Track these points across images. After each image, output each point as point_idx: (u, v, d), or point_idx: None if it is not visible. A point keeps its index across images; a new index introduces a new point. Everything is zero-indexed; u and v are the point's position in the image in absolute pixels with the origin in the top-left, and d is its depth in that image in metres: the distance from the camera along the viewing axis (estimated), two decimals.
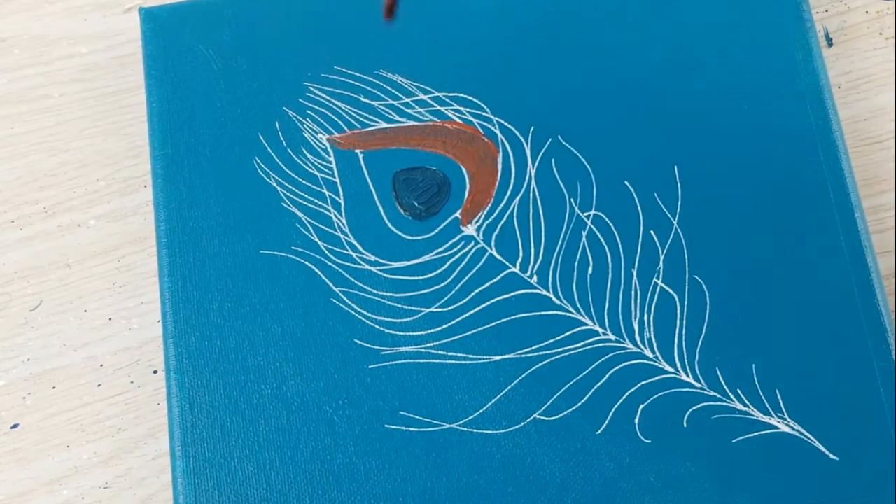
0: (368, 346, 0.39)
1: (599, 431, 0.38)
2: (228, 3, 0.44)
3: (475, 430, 0.38)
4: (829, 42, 0.46)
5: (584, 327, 0.39)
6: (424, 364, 0.39)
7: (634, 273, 0.40)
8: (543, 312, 0.40)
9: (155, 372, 0.42)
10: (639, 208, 0.41)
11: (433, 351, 0.39)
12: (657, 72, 0.42)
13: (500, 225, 0.41)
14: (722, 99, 0.42)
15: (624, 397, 0.38)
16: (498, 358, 0.39)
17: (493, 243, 0.41)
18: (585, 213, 0.41)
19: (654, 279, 0.40)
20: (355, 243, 0.41)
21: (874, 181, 0.44)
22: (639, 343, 0.39)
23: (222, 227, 0.41)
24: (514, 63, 0.43)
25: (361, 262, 0.40)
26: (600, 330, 0.39)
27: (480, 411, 0.39)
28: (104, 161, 0.45)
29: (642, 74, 0.42)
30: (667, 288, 0.40)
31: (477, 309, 0.40)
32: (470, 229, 0.41)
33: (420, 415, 0.39)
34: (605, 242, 0.40)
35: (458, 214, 0.41)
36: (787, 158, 0.41)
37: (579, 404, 0.38)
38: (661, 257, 0.40)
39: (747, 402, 0.38)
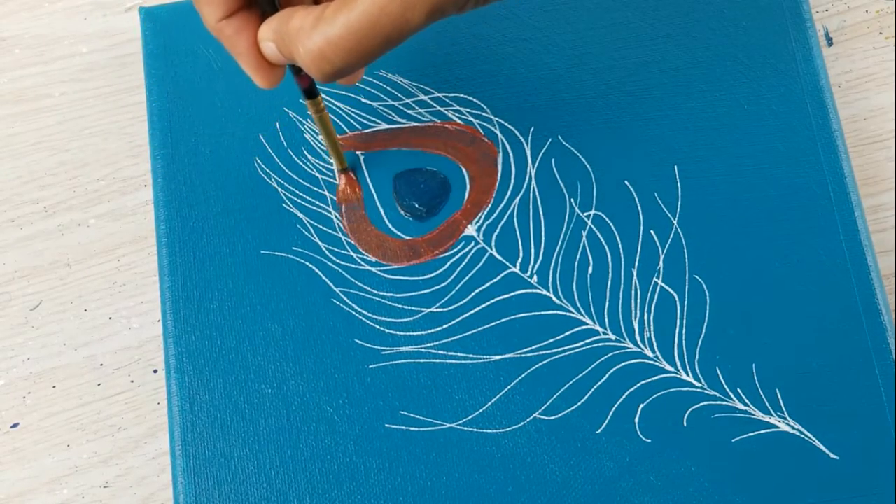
0: (369, 345, 0.39)
1: (599, 431, 0.38)
2: None
3: (475, 430, 0.38)
4: (830, 41, 0.46)
5: (584, 327, 0.39)
6: (425, 364, 0.39)
7: (634, 273, 0.40)
8: (543, 312, 0.40)
9: (155, 371, 0.42)
10: (639, 208, 0.41)
11: (433, 351, 0.39)
12: (657, 71, 0.42)
13: (500, 225, 0.41)
14: (722, 98, 0.42)
15: (624, 397, 0.39)
16: (498, 357, 0.39)
17: (493, 243, 0.41)
18: (585, 213, 0.41)
19: (655, 279, 0.40)
20: (355, 244, 0.41)
21: (874, 180, 0.44)
22: (639, 342, 0.39)
23: (223, 226, 0.41)
24: (514, 63, 0.43)
25: (362, 263, 0.40)
26: (600, 329, 0.39)
27: (480, 411, 0.39)
28: (104, 160, 0.45)
29: (642, 74, 0.42)
30: (667, 287, 0.40)
31: (477, 309, 0.40)
32: (470, 230, 0.41)
33: (420, 414, 0.39)
34: (605, 242, 0.40)
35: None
36: (788, 158, 0.41)
37: (579, 404, 0.38)
38: (662, 257, 0.40)
39: (747, 402, 0.38)
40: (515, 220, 0.41)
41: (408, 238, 0.41)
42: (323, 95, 0.42)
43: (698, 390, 0.39)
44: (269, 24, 0.31)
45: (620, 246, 0.40)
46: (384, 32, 0.28)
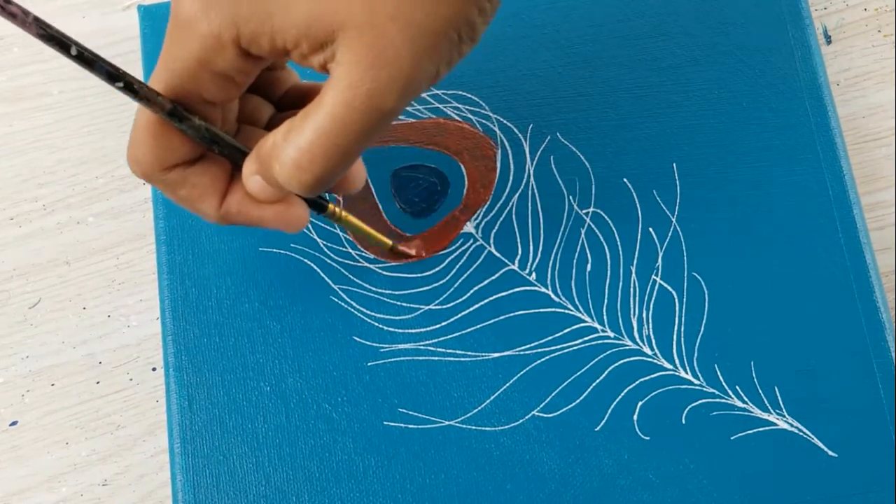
0: (367, 343, 0.39)
1: (598, 428, 0.38)
2: None
3: (474, 427, 0.38)
4: (828, 39, 0.46)
5: (582, 324, 0.39)
6: (423, 361, 0.39)
7: (633, 270, 0.40)
8: (542, 310, 0.40)
9: (154, 369, 0.42)
10: (637, 206, 0.41)
11: (432, 348, 0.39)
12: (656, 69, 0.43)
13: (498, 222, 0.41)
14: (720, 96, 0.42)
15: (623, 394, 0.39)
16: (497, 355, 0.39)
17: (491, 240, 0.41)
18: (584, 211, 0.41)
19: (653, 276, 0.40)
20: (354, 240, 0.41)
21: (873, 178, 0.44)
22: (637, 340, 0.39)
23: None
24: (512, 61, 0.43)
25: (360, 260, 0.40)
26: (599, 327, 0.39)
27: (479, 408, 0.39)
28: (103, 158, 0.45)
29: (641, 72, 0.42)
30: (665, 285, 0.40)
31: (476, 306, 0.40)
32: (469, 227, 0.41)
33: (419, 412, 0.39)
34: (603, 240, 0.40)
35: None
36: (786, 156, 0.41)
37: (578, 401, 0.38)
38: (660, 254, 0.40)
39: (746, 399, 0.38)
40: (514, 217, 0.41)
41: (407, 235, 0.41)
42: None
43: (697, 388, 0.39)
44: (249, 159, 0.30)
45: (619, 243, 0.40)
46: (356, 127, 0.26)
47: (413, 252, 0.40)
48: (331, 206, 0.34)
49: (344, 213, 0.35)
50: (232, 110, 0.31)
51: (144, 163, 0.29)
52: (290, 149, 0.27)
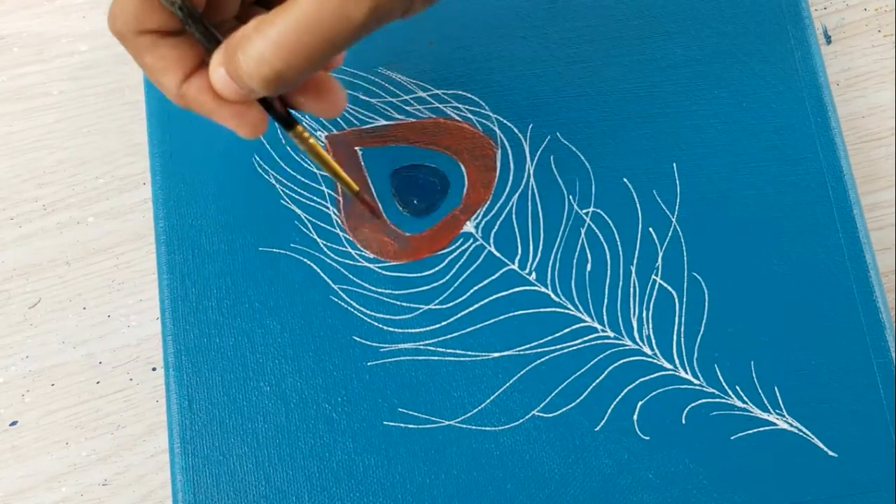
0: (367, 343, 0.39)
1: (598, 428, 0.38)
2: None
3: (474, 427, 0.38)
4: (828, 39, 0.46)
5: (582, 324, 0.39)
6: (423, 361, 0.39)
7: (633, 270, 0.40)
8: (542, 309, 0.40)
9: (154, 369, 0.42)
10: (637, 205, 0.41)
11: (432, 348, 0.39)
12: (656, 69, 0.43)
13: (498, 222, 0.41)
14: (721, 96, 0.42)
15: (623, 394, 0.39)
16: (497, 355, 0.39)
17: (491, 240, 0.41)
18: (584, 210, 0.41)
19: (653, 276, 0.40)
20: (354, 240, 0.41)
21: (873, 178, 0.44)
22: (637, 340, 0.39)
23: (221, 224, 0.41)
24: (512, 61, 0.43)
25: (360, 260, 0.40)
26: (599, 327, 0.39)
27: (479, 408, 0.39)
28: (103, 158, 0.45)
29: (641, 72, 0.42)
30: (665, 285, 0.40)
31: (476, 306, 0.40)
32: (469, 226, 0.41)
33: (419, 412, 0.39)
34: (603, 240, 0.40)
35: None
36: (786, 156, 0.41)
37: (578, 401, 0.38)
38: (660, 254, 0.40)
39: (746, 399, 0.38)
40: (514, 217, 0.41)
41: (406, 235, 0.41)
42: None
43: (697, 388, 0.39)
44: (218, 51, 0.30)
45: (619, 243, 0.40)
46: (323, 29, 0.27)
47: (374, 204, 0.40)
48: (299, 126, 0.33)
49: (312, 140, 0.34)
50: (228, 4, 0.31)
51: (120, 19, 0.30)
52: (258, 39, 0.28)
